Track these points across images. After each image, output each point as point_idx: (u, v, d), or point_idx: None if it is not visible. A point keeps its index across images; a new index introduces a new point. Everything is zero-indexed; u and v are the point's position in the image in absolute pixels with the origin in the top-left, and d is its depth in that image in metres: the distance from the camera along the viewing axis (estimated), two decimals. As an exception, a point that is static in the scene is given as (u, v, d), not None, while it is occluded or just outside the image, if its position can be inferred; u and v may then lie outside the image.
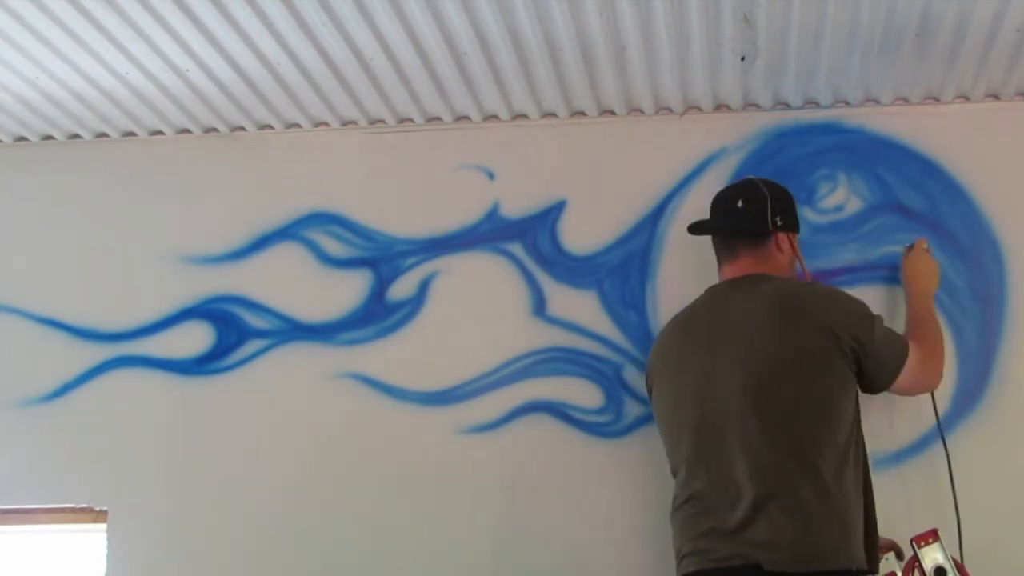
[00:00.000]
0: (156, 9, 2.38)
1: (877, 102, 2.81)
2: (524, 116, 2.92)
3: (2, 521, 2.94)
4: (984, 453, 2.58)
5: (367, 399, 2.81)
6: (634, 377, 2.73)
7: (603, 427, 2.72)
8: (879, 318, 2.28)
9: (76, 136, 3.09)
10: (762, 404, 2.13)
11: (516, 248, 2.85)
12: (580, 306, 2.80)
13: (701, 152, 2.83)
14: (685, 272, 2.76)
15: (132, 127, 3.02)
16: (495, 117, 2.93)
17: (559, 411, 2.74)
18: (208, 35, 2.49)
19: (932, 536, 2.10)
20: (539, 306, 2.82)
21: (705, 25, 2.44)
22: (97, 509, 2.86)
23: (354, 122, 2.98)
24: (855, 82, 2.71)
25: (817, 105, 2.83)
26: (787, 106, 2.84)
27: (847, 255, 2.71)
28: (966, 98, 2.79)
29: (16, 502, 2.92)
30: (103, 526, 2.84)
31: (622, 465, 2.69)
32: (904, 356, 2.28)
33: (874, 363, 2.22)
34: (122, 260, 2.98)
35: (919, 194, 2.74)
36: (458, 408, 2.77)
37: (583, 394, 2.74)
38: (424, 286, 2.87)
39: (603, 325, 2.78)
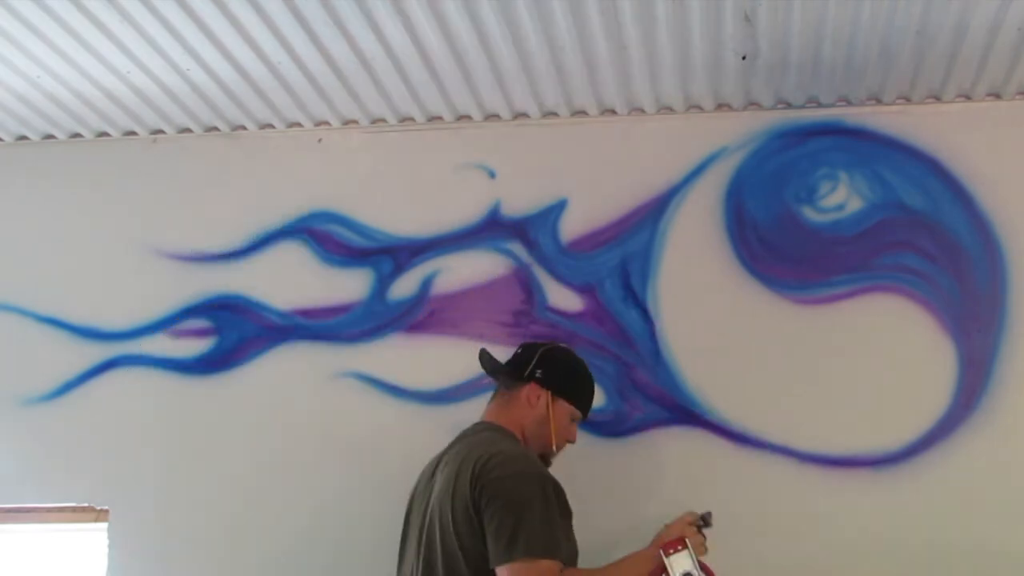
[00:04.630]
0: (157, 8, 2.38)
1: (878, 101, 2.80)
2: (525, 115, 2.92)
3: (3, 519, 2.94)
4: (984, 453, 2.58)
5: (368, 398, 2.81)
6: (636, 376, 2.73)
7: (605, 426, 2.72)
8: (536, 504, 2.06)
9: (77, 135, 3.09)
10: (424, 552, 2.16)
11: (517, 247, 2.85)
12: (581, 305, 2.80)
13: (702, 151, 2.83)
14: (686, 271, 2.76)
15: (133, 126, 3.02)
16: (496, 116, 2.93)
17: (560, 410, 2.74)
18: (209, 34, 2.49)
19: (680, 544, 2.14)
20: (540, 305, 2.82)
21: (706, 24, 2.44)
22: (98, 508, 2.86)
23: (355, 121, 2.98)
24: (856, 81, 2.71)
25: (818, 104, 2.82)
26: (788, 105, 2.83)
27: (847, 254, 2.71)
28: (967, 97, 2.79)
29: (17, 501, 2.92)
30: (104, 525, 2.84)
31: (624, 464, 2.69)
32: (512, 550, 2.00)
33: (488, 527, 2.06)
34: (123, 259, 2.98)
35: (920, 193, 2.74)
36: (459, 407, 2.76)
37: (584, 393, 2.74)
38: (425, 285, 2.87)
39: (604, 324, 2.78)
